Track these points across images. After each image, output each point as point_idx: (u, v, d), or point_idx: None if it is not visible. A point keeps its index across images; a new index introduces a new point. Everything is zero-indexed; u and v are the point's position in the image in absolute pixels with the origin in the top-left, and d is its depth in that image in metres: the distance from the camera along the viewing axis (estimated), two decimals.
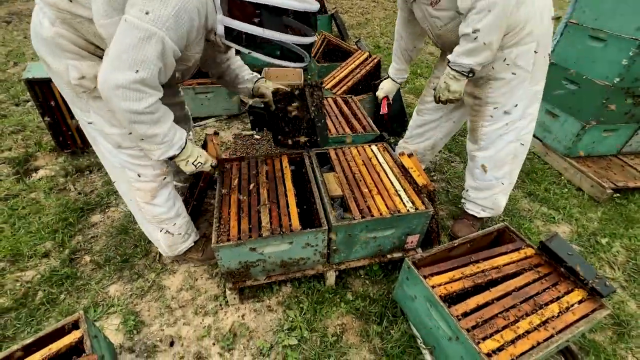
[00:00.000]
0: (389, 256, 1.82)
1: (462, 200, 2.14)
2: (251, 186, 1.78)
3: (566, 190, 2.61)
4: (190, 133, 2.07)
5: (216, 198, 1.68)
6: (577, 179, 2.65)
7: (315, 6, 1.23)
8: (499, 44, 1.49)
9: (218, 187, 1.77)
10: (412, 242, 1.80)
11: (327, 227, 1.56)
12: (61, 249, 1.99)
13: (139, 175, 1.51)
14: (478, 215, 2.06)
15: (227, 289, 1.68)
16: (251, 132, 3.03)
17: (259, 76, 1.83)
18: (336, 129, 2.41)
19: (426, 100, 2.15)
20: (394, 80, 2.24)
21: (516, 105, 1.69)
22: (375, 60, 3.03)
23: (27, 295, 1.74)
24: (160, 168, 1.55)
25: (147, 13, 1.05)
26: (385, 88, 2.30)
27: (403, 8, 1.91)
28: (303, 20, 1.23)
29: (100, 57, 1.25)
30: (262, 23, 1.18)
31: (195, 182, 2.07)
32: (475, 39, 1.43)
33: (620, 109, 2.48)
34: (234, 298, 1.70)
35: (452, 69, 1.56)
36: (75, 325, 1.24)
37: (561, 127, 2.77)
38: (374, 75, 3.11)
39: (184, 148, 1.40)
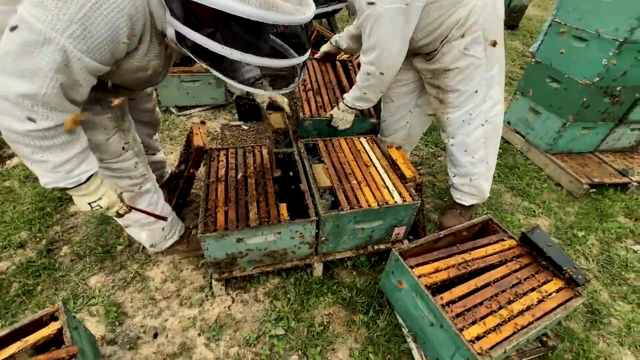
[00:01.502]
0: (376, 247, 1.84)
1: (451, 190, 2.17)
2: (239, 176, 1.75)
3: (546, 185, 2.70)
4: (156, 135, 1.98)
5: (203, 188, 1.65)
6: (557, 175, 2.74)
7: (302, 16, 0.86)
8: (386, 93, 1.93)
9: (204, 177, 1.73)
10: (399, 233, 1.82)
11: (316, 218, 1.56)
12: (38, 239, 1.91)
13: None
14: (465, 204, 2.08)
15: (213, 280, 1.66)
16: (239, 123, 2.98)
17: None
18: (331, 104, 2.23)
19: (391, 87, 2.12)
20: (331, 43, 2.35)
21: (476, 91, 1.73)
22: None
23: (0, 287, 1.66)
24: (138, 177, 1.45)
25: (45, 8, 0.79)
26: (324, 47, 2.43)
27: None
28: (286, 35, 0.92)
29: None
30: (222, 36, 0.85)
31: (178, 175, 2.02)
32: (361, 90, 1.81)
33: (598, 108, 2.57)
34: (220, 289, 1.68)
35: (347, 106, 1.93)
36: (53, 317, 1.20)
37: (543, 124, 2.85)
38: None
39: (82, 184, 1.08)
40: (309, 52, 0.99)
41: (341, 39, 2.24)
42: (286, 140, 2.26)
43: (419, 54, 1.80)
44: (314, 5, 0.95)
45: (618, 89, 2.47)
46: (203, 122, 2.03)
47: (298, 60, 0.95)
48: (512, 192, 2.61)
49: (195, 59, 0.96)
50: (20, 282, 1.68)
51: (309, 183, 1.72)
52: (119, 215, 1.29)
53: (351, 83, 2.29)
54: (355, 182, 1.76)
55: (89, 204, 1.15)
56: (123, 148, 1.37)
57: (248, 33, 0.85)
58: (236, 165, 1.82)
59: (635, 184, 2.61)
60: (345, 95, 1.94)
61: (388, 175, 1.81)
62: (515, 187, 2.64)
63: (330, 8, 1.73)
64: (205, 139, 1.87)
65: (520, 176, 2.76)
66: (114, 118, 1.29)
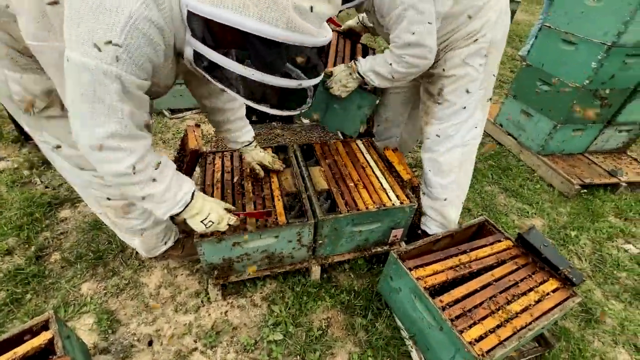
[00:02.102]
0: (373, 250, 1.84)
1: (421, 216, 1.98)
2: (235, 179, 1.73)
3: (539, 186, 2.74)
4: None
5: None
6: (549, 176, 2.78)
7: (324, 39, 0.88)
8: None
9: (200, 181, 1.70)
10: (396, 235, 1.82)
11: (313, 221, 1.54)
12: (27, 246, 1.86)
13: (108, 199, 1.39)
14: (428, 231, 1.91)
15: (209, 285, 1.63)
16: None
17: (250, 141, 1.67)
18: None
19: (388, 91, 2.11)
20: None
21: (464, 107, 1.65)
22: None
23: None
24: None
25: (94, 46, 0.79)
26: (349, 22, 2.16)
27: None
28: (306, 56, 0.90)
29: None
30: (243, 56, 0.85)
31: None
32: (391, 69, 1.57)
33: (588, 110, 2.63)
34: (217, 294, 1.66)
35: (358, 72, 1.67)
36: (44, 326, 1.16)
37: (534, 126, 2.90)
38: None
39: (188, 204, 1.20)
40: (322, 74, 1.00)
41: (365, 18, 2.04)
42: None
43: None
44: (330, 30, 0.96)
45: (607, 91, 2.53)
46: (198, 125, 2.00)
47: (315, 81, 0.96)
48: (505, 193, 2.64)
49: (209, 79, 0.95)
50: (8, 290, 1.62)
51: (305, 186, 1.71)
52: (229, 227, 1.34)
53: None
54: (352, 184, 1.75)
55: (202, 222, 1.26)
56: None
57: (270, 54, 0.85)
58: (232, 169, 1.80)
59: (624, 184, 2.67)
60: (360, 59, 1.68)
61: (385, 178, 1.81)
62: (509, 188, 2.67)
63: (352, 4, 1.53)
64: (200, 142, 1.85)
65: (513, 177, 2.79)
66: None
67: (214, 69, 0.91)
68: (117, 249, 1.87)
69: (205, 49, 0.87)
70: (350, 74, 1.69)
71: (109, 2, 0.77)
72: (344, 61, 1.85)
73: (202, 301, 1.68)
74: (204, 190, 1.63)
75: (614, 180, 2.68)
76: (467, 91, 1.63)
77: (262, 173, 1.73)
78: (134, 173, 1.01)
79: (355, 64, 1.68)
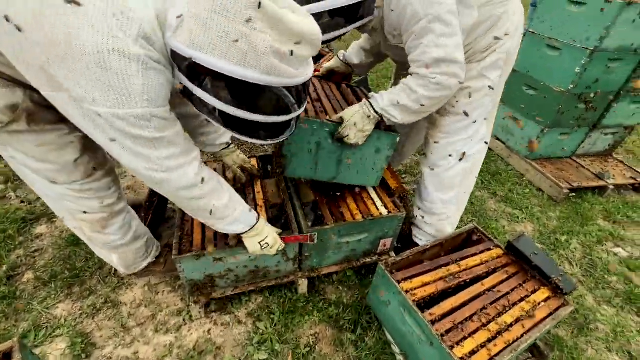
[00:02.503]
0: (362, 260, 1.79)
1: (412, 226, 1.92)
2: None
3: (528, 190, 2.73)
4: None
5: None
6: (538, 180, 2.78)
7: (304, 77, 0.91)
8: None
9: None
10: (385, 245, 1.78)
11: (299, 233, 1.49)
12: None
13: (84, 212, 1.33)
14: (420, 243, 1.86)
15: (191, 303, 1.56)
16: None
17: (228, 142, 1.69)
18: None
19: None
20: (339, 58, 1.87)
21: (474, 122, 1.57)
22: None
23: None
24: (110, 198, 1.38)
25: (124, 100, 0.82)
26: (329, 63, 1.90)
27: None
28: (286, 94, 0.92)
29: (14, 82, 0.99)
30: (227, 95, 0.88)
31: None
32: (416, 102, 1.33)
33: (573, 114, 2.64)
34: (199, 312, 1.58)
35: (376, 112, 1.37)
36: (7, 355, 1.07)
37: (522, 130, 2.90)
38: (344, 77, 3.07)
39: (254, 225, 1.30)
40: (305, 104, 1.03)
41: (351, 54, 1.83)
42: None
43: None
44: (312, 63, 0.98)
45: (592, 95, 2.55)
46: None
47: (297, 113, 0.99)
48: (495, 198, 2.63)
49: (198, 111, 0.98)
50: None
51: (291, 198, 1.66)
52: (277, 252, 1.44)
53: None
54: (338, 194, 1.71)
55: (259, 242, 1.34)
56: (94, 168, 1.28)
57: (252, 94, 0.88)
58: None
59: (611, 187, 2.68)
60: (374, 95, 1.42)
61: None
62: (499, 193, 2.66)
63: (343, 31, 1.30)
64: None
65: (503, 182, 2.78)
66: (82, 137, 1.21)
67: (198, 101, 0.93)
68: (95, 266, 1.79)
69: (190, 84, 0.90)
70: (364, 113, 1.38)
71: (113, 56, 0.77)
72: (343, 107, 1.57)
73: (184, 319, 1.61)
74: None
75: (601, 183, 2.69)
76: (481, 104, 1.54)
77: (244, 177, 1.72)
78: (203, 182, 1.09)
79: (369, 101, 1.39)
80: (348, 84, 1.91)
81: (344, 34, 1.30)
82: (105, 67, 0.77)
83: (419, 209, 1.82)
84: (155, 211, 1.84)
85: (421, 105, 1.33)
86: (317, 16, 1.15)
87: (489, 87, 1.50)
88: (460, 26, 1.26)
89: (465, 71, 1.30)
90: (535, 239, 2.29)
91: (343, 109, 1.46)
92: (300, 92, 0.96)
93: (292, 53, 0.84)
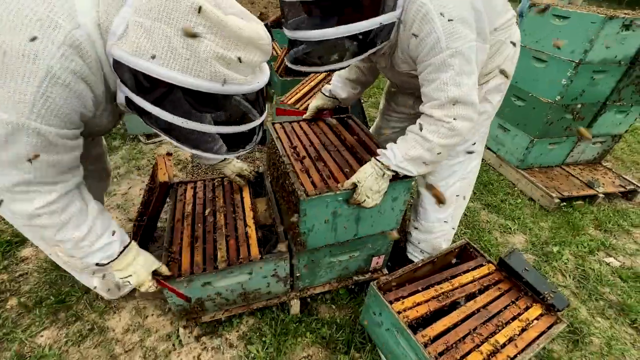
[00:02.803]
0: (355, 278, 1.77)
1: (406, 243, 1.91)
2: (207, 212, 1.65)
3: (520, 200, 2.75)
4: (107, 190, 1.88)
5: (166, 230, 1.53)
6: (529, 190, 2.80)
7: (255, 85, 0.87)
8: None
9: (169, 215, 1.62)
10: (378, 262, 1.76)
11: (287, 255, 1.47)
12: None
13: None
14: (414, 260, 1.84)
15: (180, 327, 1.52)
16: None
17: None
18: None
19: (382, 133, 1.98)
20: (324, 94, 1.79)
21: (474, 144, 1.56)
22: None
23: None
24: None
25: (3, 97, 0.74)
26: (315, 102, 1.81)
27: None
28: (238, 102, 0.89)
29: None
30: (174, 105, 0.83)
31: (142, 212, 1.89)
32: (429, 152, 1.25)
33: (562, 124, 2.68)
34: (189, 337, 1.55)
35: (386, 167, 1.28)
36: None
37: (512, 140, 2.93)
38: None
39: (113, 260, 1.12)
40: (265, 114, 0.99)
41: (336, 87, 1.74)
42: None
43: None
44: (268, 70, 0.95)
45: (578, 106, 2.58)
46: (169, 154, 1.92)
47: (254, 124, 0.94)
48: (487, 209, 2.64)
49: (146, 123, 0.92)
50: None
51: (281, 217, 1.64)
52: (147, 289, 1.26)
53: (361, 141, 1.65)
54: None
55: (120, 278, 1.18)
56: None
57: (200, 102, 0.83)
58: (204, 200, 1.72)
59: (601, 195, 2.71)
60: (384, 152, 1.31)
61: None
62: (490, 203, 2.67)
63: (358, 58, 1.19)
64: (170, 173, 1.76)
65: (495, 192, 2.80)
66: None
67: (145, 114, 0.88)
68: (81, 290, 1.74)
69: (134, 96, 0.85)
70: (382, 174, 1.29)
71: (26, 55, 0.73)
72: (347, 159, 1.50)
73: (173, 344, 1.57)
74: (172, 228, 1.54)
75: (591, 192, 2.71)
76: (480, 126, 1.53)
77: (242, 182, 1.78)
78: (50, 212, 0.94)
79: (380, 161, 1.30)
80: (340, 117, 1.85)
81: (357, 60, 1.22)
82: (5, 63, 0.73)
83: (416, 228, 1.80)
84: (144, 233, 1.81)
85: (438, 154, 1.25)
86: (332, 43, 1.10)
87: (490, 110, 1.50)
88: (477, 62, 1.19)
89: (478, 113, 1.24)
90: (527, 250, 2.29)
91: (349, 164, 1.43)
92: (256, 99, 0.93)
93: (239, 59, 0.81)
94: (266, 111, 0.99)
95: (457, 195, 1.67)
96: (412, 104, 1.78)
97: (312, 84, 3.01)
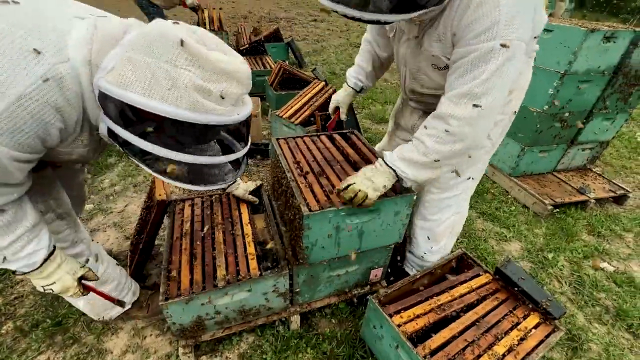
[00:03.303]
0: (354, 291, 1.78)
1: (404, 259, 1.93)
2: (205, 229, 1.65)
3: (514, 208, 2.79)
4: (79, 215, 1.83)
5: (165, 249, 1.53)
6: (522, 197, 2.85)
7: (236, 117, 0.89)
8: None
9: (168, 233, 1.62)
10: (376, 275, 1.77)
11: (287, 271, 1.48)
12: None
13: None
14: (410, 272, 1.89)
15: (179, 347, 1.51)
16: None
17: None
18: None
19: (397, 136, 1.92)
20: (349, 87, 1.76)
21: (469, 178, 1.55)
22: (330, 90, 3.09)
23: None
24: (63, 241, 1.35)
25: None
26: (337, 97, 1.80)
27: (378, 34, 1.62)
28: (218, 134, 0.91)
29: None
30: (157, 136, 0.85)
31: (140, 230, 1.89)
32: (428, 154, 1.20)
33: (551, 132, 2.75)
34: (188, 357, 1.53)
35: (391, 168, 1.27)
36: None
37: (504, 149, 2.99)
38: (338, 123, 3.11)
39: (35, 269, 1.07)
40: (248, 146, 1.02)
41: (364, 78, 1.72)
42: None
43: None
44: (250, 103, 0.97)
45: (566, 114, 2.66)
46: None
47: (236, 155, 0.97)
48: (482, 217, 2.67)
49: (128, 155, 0.94)
50: None
51: (280, 233, 1.65)
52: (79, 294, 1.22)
53: (363, 156, 1.65)
54: None
55: (42, 286, 1.13)
56: (40, 212, 1.22)
57: (182, 134, 0.86)
58: (202, 217, 1.73)
59: (593, 201, 2.76)
60: (385, 153, 1.32)
61: None
62: (485, 212, 2.70)
63: (391, 18, 1.00)
64: (168, 191, 1.77)
65: (489, 201, 2.84)
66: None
67: (128, 145, 0.89)
68: (79, 312, 1.72)
69: (118, 128, 0.87)
70: (376, 172, 1.28)
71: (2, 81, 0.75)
72: (346, 171, 1.55)
73: None
74: (170, 247, 1.54)
75: (583, 197, 2.77)
76: (478, 161, 1.50)
77: (256, 200, 1.82)
78: None
79: (379, 156, 1.34)
80: (340, 132, 1.87)
81: (404, 20, 1.05)
82: None
83: (409, 252, 1.84)
84: (142, 251, 1.80)
85: (435, 161, 1.21)
86: None
87: (488, 145, 1.48)
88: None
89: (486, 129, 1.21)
90: (524, 257, 2.32)
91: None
92: (237, 131, 0.95)
93: (219, 91, 0.85)
94: (248, 145, 1.02)
95: (450, 230, 1.69)
96: (416, 120, 1.69)
97: (305, 99, 3.06)
